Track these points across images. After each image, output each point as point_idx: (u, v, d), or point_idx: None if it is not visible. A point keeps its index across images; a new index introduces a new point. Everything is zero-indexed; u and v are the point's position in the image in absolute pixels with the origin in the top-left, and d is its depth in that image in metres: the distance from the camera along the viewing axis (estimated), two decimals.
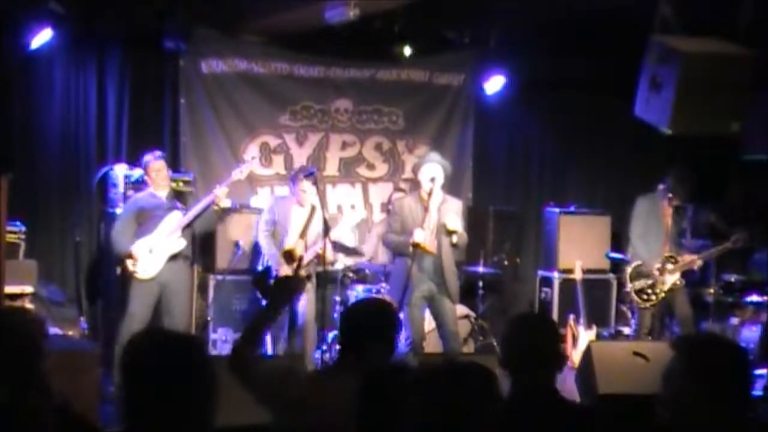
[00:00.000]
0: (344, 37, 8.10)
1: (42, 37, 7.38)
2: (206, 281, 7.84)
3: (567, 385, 6.17)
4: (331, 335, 7.43)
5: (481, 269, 8.33)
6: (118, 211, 7.35)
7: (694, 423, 2.54)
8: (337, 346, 7.10)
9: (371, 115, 8.92)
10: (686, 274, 7.65)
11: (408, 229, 6.64)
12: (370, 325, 3.33)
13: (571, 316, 7.78)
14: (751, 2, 5.89)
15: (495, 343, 8.15)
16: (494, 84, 8.93)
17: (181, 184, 7.43)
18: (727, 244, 7.68)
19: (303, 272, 7.01)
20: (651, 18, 5.70)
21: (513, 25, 8.14)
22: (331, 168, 8.82)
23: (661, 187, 7.67)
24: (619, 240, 8.65)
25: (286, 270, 6.98)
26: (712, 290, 8.39)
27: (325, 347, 7.30)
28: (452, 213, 6.68)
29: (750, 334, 8.35)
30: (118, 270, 7.04)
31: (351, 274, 7.94)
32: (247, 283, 7.55)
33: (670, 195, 7.58)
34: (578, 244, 8.67)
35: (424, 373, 2.48)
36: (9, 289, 6.56)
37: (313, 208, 7.09)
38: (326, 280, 7.42)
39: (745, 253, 8.74)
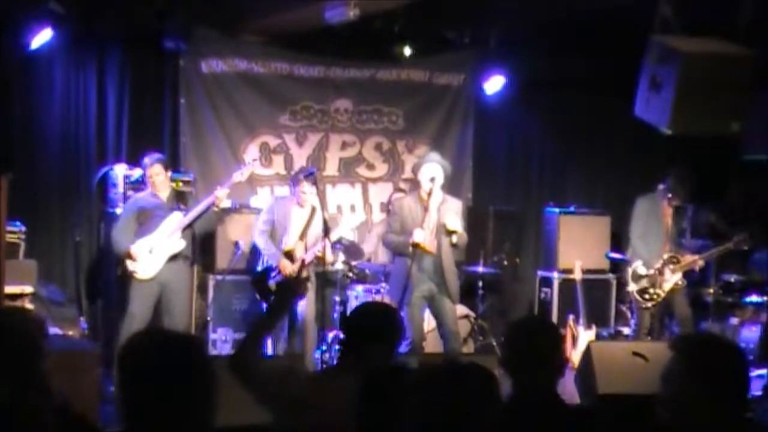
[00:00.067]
0: (344, 37, 8.09)
1: (42, 37, 7.38)
2: (206, 281, 7.84)
3: (567, 385, 6.17)
4: (330, 335, 7.43)
5: (480, 269, 8.33)
6: (118, 211, 7.35)
7: (694, 423, 2.54)
8: (337, 347, 7.17)
9: (371, 115, 8.91)
10: (687, 275, 7.65)
11: (408, 229, 6.64)
12: (370, 326, 3.33)
13: (571, 316, 7.78)
14: (751, 2, 5.89)
15: (495, 343, 8.16)
16: (494, 84, 8.93)
17: (181, 184, 7.43)
18: (728, 244, 7.68)
19: (304, 273, 7.02)
20: (651, 18, 5.69)
21: (513, 25, 8.14)
22: (331, 168, 8.81)
23: (661, 187, 7.67)
24: (618, 240, 8.66)
25: (287, 265, 6.96)
26: (711, 290, 8.39)
27: (324, 347, 7.30)
28: (452, 213, 6.68)
29: (750, 334, 8.34)
30: (119, 270, 7.04)
31: (351, 274, 7.94)
32: (247, 283, 7.55)
33: (670, 195, 7.58)
34: (578, 244, 8.67)
35: (424, 374, 2.48)
36: (9, 289, 6.55)
37: (313, 209, 7.10)
38: (326, 280, 7.41)
39: (744, 253, 8.73)
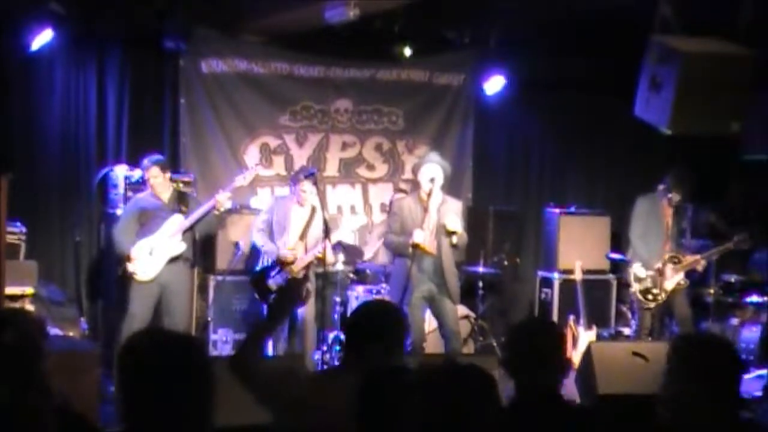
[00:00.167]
0: (344, 37, 8.09)
1: (42, 38, 7.38)
2: (206, 282, 7.84)
3: (567, 385, 6.17)
4: (331, 336, 7.43)
5: (481, 269, 8.33)
6: (119, 211, 7.35)
7: (694, 423, 2.54)
8: (337, 347, 7.17)
9: (371, 116, 8.91)
10: (688, 274, 7.65)
11: (408, 230, 6.64)
12: (370, 326, 3.33)
13: (571, 317, 7.79)
14: (751, 2, 5.89)
15: (495, 344, 8.16)
16: (494, 84, 8.93)
17: (181, 184, 7.42)
18: (728, 244, 7.68)
19: (303, 273, 7.02)
20: (651, 18, 5.69)
21: (513, 25, 8.14)
22: (331, 168, 8.81)
23: (661, 187, 7.67)
24: (619, 240, 8.66)
25: (287, 255, 6.95)
26: (712, 290, 8.39)
27: (325, 348, 7.30)
28: (452, 213, 6.68)
29: (750, 335, 8.35)
30: (119, 270, 7.04)
31: (351, 275, 7.94)
32: (247, 284, 7.54)
33: (670, 195, 7.58)
34: (578, 245, 8.67)
35: (424, 375, 2.48)
36: (9, 290, 6.56)
37: (313, 209, 7.10)
38: (326, 280, 7.41)
39: (744, 253, 8.73)
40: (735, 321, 8.57)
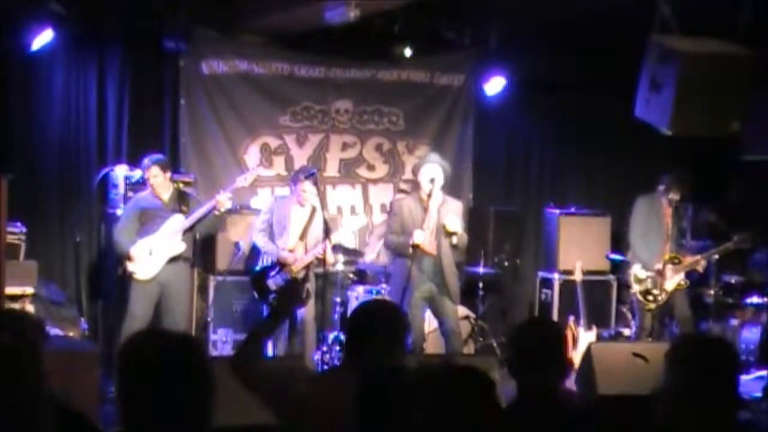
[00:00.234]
0: (344, 38, 8.09)
1: (43, 38, 7.38)
2: (206, 282, 7.84)
3: (567, 386, 6.17)
4: (331, 336, 7.43)
5: (481, 270, 8.33)
6: (119, 212, 7.35)
7: (693, 423, 2.54)
8: (337, 348, 7.17)
9: (371, 116, 8.91)
10: (689, 275, 7.65)
11: (408, 230, 6.64)
12: (370, 326, 3.33)
13: (571, 318, 7.79)
14: (751, 2, 5.89)
15: (495, 344, 8.16)
16: (494, 85, 8.93)
17: (181, 185, 7.42)
18: (728, 244, 7.67)
19: (303, 273, 7.02)
20: (651, 18, 5.69)
21: (513, 26, 8.14)
22: (332, 169, 8.81)
23: (661, 187, 7.67)
24: (619, 241, 8.65)
25: (287, 257, 6.95)
26: (712, 291, 8.39)
27: (325, 348, 7.30)
28: (452, 214, 6.68)
29: (750, 336, 8.35)
30: (119, 270, 7.04)
31: (351, 275, 7.94)
32: (247, 284, 7.54)
33: (671, 196, 7.58)
34: (578, 245, 8.66)
35: (422, 375, 2.48)
36: (10, 290, 6.57)
37: (313, 209, 7.10)
38: (326, 281, 7.41)
39: (745, 254, 8.73)
40: (735, 322, 8.57)
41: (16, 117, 7.83)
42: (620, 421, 3.27)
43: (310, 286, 7.09)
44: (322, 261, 6.94)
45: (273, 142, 8.62)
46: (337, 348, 7.28)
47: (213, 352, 7.58)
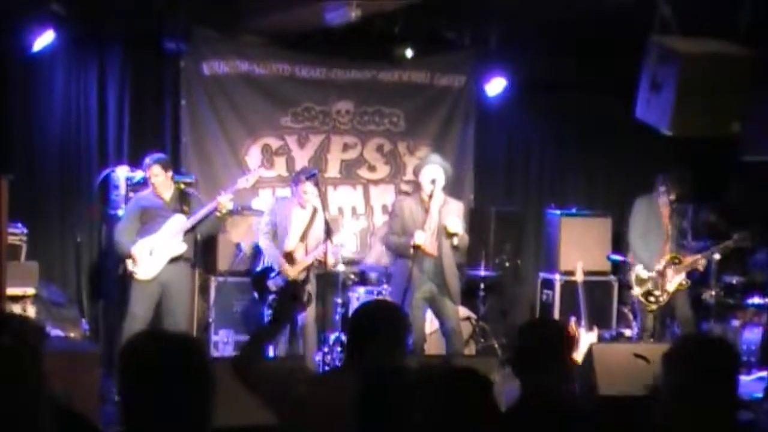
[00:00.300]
0: (345, 39, 8.10)
1: (43, 39, 7.38)
2: (208, 283, 7.84)
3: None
4: (332, 337, 7.43)
5: (482, 271, 8.33)
6: (120, 212, 7.35)
7: (693, 424, 2.54)
8: (338, 349, 7.17)
9: (372, 117, 8.91)
10: (690, 275, 7.64)
11: (408, 231, 6.64)
12: (371, 326, 3.33)
13: (572, 318, 7.79)
14: (751, 2, 5.89)
15: (496, 345, 8.16)
16: (495, 86, 8.92)
17: (182, 185, 7.41)
18: (728, 242, 7.67)
19: (304, 274, 7.03)
20: (651, 18, 5.69)
21: (513, 26, 8.14)
22: (332, 170, 8.81)
23: (661, 189, 7.67)
24: (620, 241, 8.65)
25: (288, 270, 6.97)
26: (713, 292, 8.39)
27: (326, 349, 7.30)
28: (453, 215, 6.68)
29: (751, 336, 8.35)
30: (120, 270, 7.03)
31: (352, 276, 7.94)
32: (249, 285, 7.54)
33: (671, 197, 7.58)
34: (579, 246, 8.66)
35: (423, 376, 2.48)
36: (11, 291, 6.57)
37: (314, 210, 7.10)
38: (327, 282, 7.41)
39: (745, 254, 8.73)
40: (736, 322, 8.57)
41: (16, 117, 7.83)
42: (620, 421, 3.27)
43: (311, 287, 7.09)
44: (322, 263, 6.94)
45: (274, 143, 8.62)
46: (339, 349, 7.28)
47: (214, 353, 7.58)
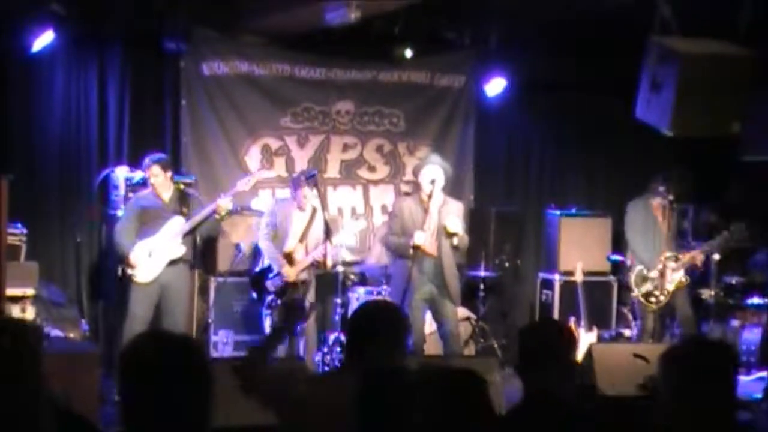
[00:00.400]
0: (345, 39, 8.10)
1: (43, 40, 7.38)
2: (207, 283, 7.84)
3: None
4: (332, 337, 7.43)
5: (482, 272, 8.33)
6: (119, 213, 7.34)
7: (692, 424, 2.55)
8: (338, 349, 7.16)
9: (372, 117, 8.91)
10: (690, 272, 7.65)
11: (408, 231, 6.64)
12: (371, 326, 3.33)
13: (572, 319, 7.79)
14: (751, 2, 5.89)
15: (496, 346, 8.16)
16: (495, 86, 8.92)
17: (182, 186, 7.41)
18: (725, 234, 7.67)
19: (304, 275, 7.03)
20: (651, 18, 5.69)
21: (513, 26, 8.14)
22: (332, 170, 8.81)
23: (661, 188, 7.66)
24: (619, 242, 8.65)
25: (289, 272, 6.97)
26: (713, 292, 8.39)
27: (326, 349, 7.30)
28: (453, 215, 6.68)
29: (751, 337, 8.35)
30: (119, 270, 7.02)
31: (352, 277, 7.94)
32: (248, 286, 7.54)
33: (671, 196, 7.58)
34: (579, 246, 8.66)
35: (421, 377, 2.48)
36: (10, 291, 6.57)
37: (314, 210, 7.10)
38: (327, 282, 7.41)
39: (745, 254, 8.73)
40: (736, 323, 8.57)
41: (16, 118, 7.83)
42: (620, 421, 3.27)
43: (311, 296, 7.10)
44: (322, 263, 6.94)
45: (274, 143, 8.62)
46: (338, 349, 7.28)
47: (214, 354, 7.58)
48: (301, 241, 7.07)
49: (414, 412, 2.35)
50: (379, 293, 7.59)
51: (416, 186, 6.95)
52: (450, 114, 9.09)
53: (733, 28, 5.76)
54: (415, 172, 6.96)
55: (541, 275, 9.03)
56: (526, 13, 7.44)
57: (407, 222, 6.70)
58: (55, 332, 6.89)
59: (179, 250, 6.90)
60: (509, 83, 8.88)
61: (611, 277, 8.82)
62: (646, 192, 7.77)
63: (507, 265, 8.73)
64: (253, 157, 8.51)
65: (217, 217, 6.99)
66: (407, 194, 8.38)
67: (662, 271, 7.52)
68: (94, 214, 7.88)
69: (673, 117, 5.38)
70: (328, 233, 6.86)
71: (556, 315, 8.54)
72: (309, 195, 7.04)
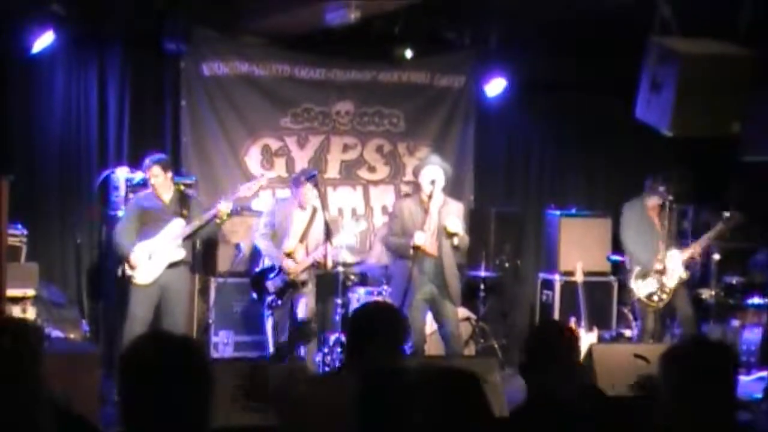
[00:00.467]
0: (345, 39, 8.10)
1: (43, 41, 7.38)
2: (207, 284, 7.84)
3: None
4: (332, 338, 7.43)
5: (482, 272, 8.33)
6: (120, 213, 7.34)
7: (692, 425, 2.55)
8: (338, 349, 7.17)
9: (372, 118, 8.91)
10: (690, 266, 7.65)
11: (408, 232, 6.64)
12: (370, 327, 3.34)
13: (572, 319, 7.79)
14: (751, 2, 5.89)
15: (496, 346, 8.16)
16: (495, 86, 8.92)
17: (182, 186, 7.41)
18: (720, 226, 7.67)
19: (304, 276, 7.03)
20: (651, 18, 5.70)
21: (513, 26, 8.14)
22: (332, 171, 8.81)
23: (661, 189, 7.67)
24: (619, 242, 8.65)
25: (290, 265, 6.96)
26: (713, 292, 8.39)
27: (326, 350, 7.30)
28: (453, 215, 6.68)
29: (751, 337, 8.36)
30: (119, 271, 7.02)
31: (352, 277, 7.94)
32: (248, 286, 7.54)
33: (671, 197, 7.58)
34: (579, 246, 8.66)
35: (421, 377, 2.49)
36: (11, 292, 6.57)
37: (314, 211, 7.10)
38: (327, 282, 7.40)
39: (745, 254, 8.73)
40: (736, 323, 8.58)
41: (16, 118, 7.83)
42: (620, 421, 3.27)
43: (311, 287, 7.10)
44: (322, 264, 6.94)
45: (274, 144, 8.62)
46: (338, 349, 7.28)
47: (214, 354, 7.58)
48: (301, 241, 7.07)
49: (414, 412, 2.35)
50: (379, 293, 7.59)
51: (416, 186, 6.95)
52: (450, 114, 9.09)
53: (733, 28, 5.76)
54: (415, 173, 6.97)
55: (542, 275, 9.03)
56: (526, 13, 7.44)
57: (407, 222, 6.71)
58: (56, 333, 6.89)
59: (179, 253, 6.89)
60: (509, 83, 8.88)
61: (611, 278, 8.82)
62: (642, 192, 7.78)
63: (507, 265, 8.74)
64: (253, 157, 8.51)
65: (218, 221, 6.99)
66: (407, 195, 8.38)
67: (662, 270, 7.52)
68: (95, 214, 7.88)
69: (673, 117, 5.39)
70: (328, 234, 6.86)
71: (556, 315, 8.55)
72: (310, 194, 7.04)
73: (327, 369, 7.14)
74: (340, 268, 7.57)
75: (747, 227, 7.80)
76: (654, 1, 5.70)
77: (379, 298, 7.44)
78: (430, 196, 6.63)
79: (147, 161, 7.01)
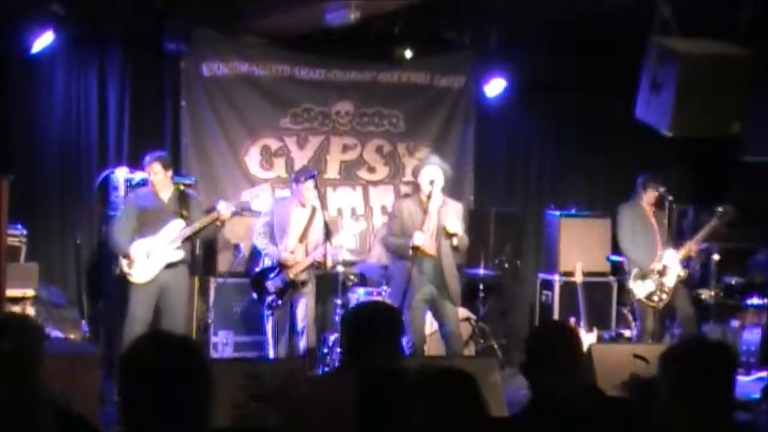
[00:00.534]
0: (345, 39, 8.10)
1: (43, 41, 7.38)
2: (207, 284, 7.84)
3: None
4: (332, 338, 7.43)
5: (481, 272, 8.33)
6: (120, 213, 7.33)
7: (691, 425, 2.55)
8: (338, 349, 7.17)
9: (372, 118, 8.91)
10: (687, 263, 7.65)
11: (408, 232, 6.64)
12: (370, 327, 3.34)
13: (572, 319, 7.79)
14: (751, 2, 5.89)
15: (496, 346, 8.16)
16: (495, 86, 8.92)
17: (182, 186, 7.39)
18: (714, 222, 7.68)
19: (304, 276, 7.03)
20: (651, 18, 5.70)
21: (513, 26, 8.14)
22: (332, 171, 8.81)
23: (661, 189, 7.67)
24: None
25: (288, 258, 6.95)
26: (713, 292, 8.38)
27: (326, 350, 7.30)
28: (452, 216, 6.68)
29: (751, 337, 8.36)
30: (116, 269, 7.00)
31: (352, 277, 7.94)
32: (248, 286, 7.54)
33: (671, 198, 7.59)
34: (579, 247, 8.66)
35: (419, 377, 2.49)
36: (10, 293, 6.57)
37: (314, 210, 7.10)
38: (327, 282, 7.40)
39: (745, 254, 8.73)
40: (736, 323, 8.58)
41: (16, 118, 7.83)
42: (620, 421, 3.27)
43: (311, 287, 7.10)
44: (321, 264, 6.94)
45: (273, 144, 8.62)
46: (338, 349, 7.28)
47: (214, 354, 7.57)
48: (300, 241, 7.07)
49: (413, 412, 2.35)
50: (379, 294, 7.59)
51: (416, 187, 6.95)
52: (450, 114, 9.09)
53: (733, 28, 5.76)
54: (415, 173, 6.97)
55: (541, 276, 9.04)
56: (526, 13, 7.45)
57: (407, 223, 6.71)
58: (56, 333, 6.89)
59: (177, 254, 6.87)
60: (509, 83, 8.88)
61: (611, 278, 8.82)
62: (637, 192, 7.78)
63: (507, 265, 8.74)
64: (252, 157, 8.51)
65: (218, 224, 6.99)
66: (407, 195, 8.38)
67: (661, 270, 7.52)
68: (95, 214, 7.89)
69: (673, 117, 5.39)
70: (328, 234, 6.86)
71: (556, 315, 8.55)
72: (309, 194, 7.04)
73: (327, 369, 7.14)
74: (340, 268, 7.57)
75: (747, 227, 7.79)
76: (654, 1, 5.71)
77: (379, 299, 7.44)
78: (429, 197, 6.63)
79: (148, 158, 6.97)
